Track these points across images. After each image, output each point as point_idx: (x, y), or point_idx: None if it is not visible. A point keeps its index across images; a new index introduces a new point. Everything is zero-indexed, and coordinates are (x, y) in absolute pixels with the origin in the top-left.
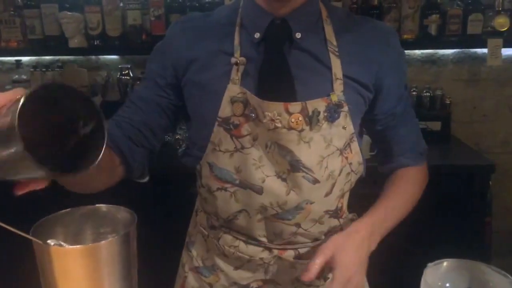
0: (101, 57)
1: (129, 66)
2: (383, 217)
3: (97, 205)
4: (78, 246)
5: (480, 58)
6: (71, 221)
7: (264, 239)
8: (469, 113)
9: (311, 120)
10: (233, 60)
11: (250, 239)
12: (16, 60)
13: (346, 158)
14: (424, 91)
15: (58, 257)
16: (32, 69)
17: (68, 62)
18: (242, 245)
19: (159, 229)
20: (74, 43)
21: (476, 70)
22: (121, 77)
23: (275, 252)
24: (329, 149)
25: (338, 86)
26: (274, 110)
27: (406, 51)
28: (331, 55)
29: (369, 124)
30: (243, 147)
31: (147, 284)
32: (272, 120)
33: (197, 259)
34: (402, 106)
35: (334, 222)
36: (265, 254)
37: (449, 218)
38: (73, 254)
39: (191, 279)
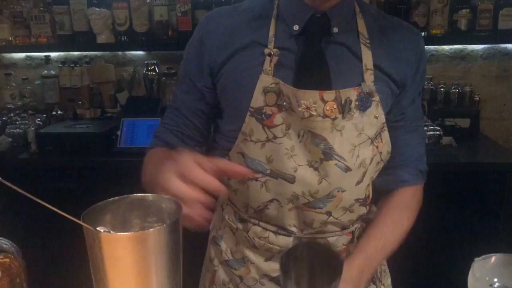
0: (128, 52)
1: (155, 62)
2: (373, 259)
3: (143, 194)
4: (128, 233)
5: (510, 53)
6: (119, 209)
7: (294, 229)
8: (499, 109)
9: (344, 108)
10: (266, 51)
11: (280, 229)
12: (45, 56)
13: (377, 147)
14: (453, 88)
15: (108, 243)
16: (60, 65)
17: (95, 57)
18: (272, 236)
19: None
20: (102, 39)
21: (506, 66)
22: (147, 72)
23: (304, 241)
24: (361, 137)
25: (369, 76)
26: (310, 98)
27: (434, 47)
28: (363, 47)
29: None
30: (275, 137)
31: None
32: (308, 108)
33: (227, 253)
34: (414, 112)
35: (362, 210)
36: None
37: (485, 216)
38: (123, 241)
39: (221, 272)
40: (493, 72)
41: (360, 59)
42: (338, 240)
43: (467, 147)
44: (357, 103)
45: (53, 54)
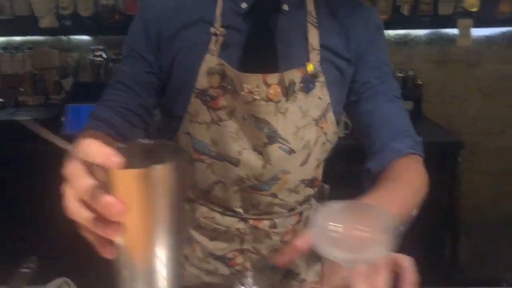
0: (73, 37)
1: (102, 47)
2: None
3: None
4: (134, 169)
5: (451, 39)
6: (128, 153)
7: (240, 210)
8: (440, 93)
9: (288, 91)
10: (212, 30)
11: (227, 210)
12: None
13: (322, 128)
14: (397, 72)
15: (116, 179)
16: (1, 51)
17: (38, 43)
18: (218, 217)
19: None
20: (44, 23)
21: (446, 51)
22: (93, 58)
23: (251, 222)
24: (305, 119)
25: (315, 56)
26: (253, 82)
27: None
28: (310, 26)
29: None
30: (220, 119)
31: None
32: (251, 92)
33: None
34: (384, 82)
35: (309, 191)
36: (241, 225)
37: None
38: (129, 177)
39: (198, 251)
40: (434, 57)
41: (306, 39)
42: (285, 221)
43: None
44: (301, 84)
45: None
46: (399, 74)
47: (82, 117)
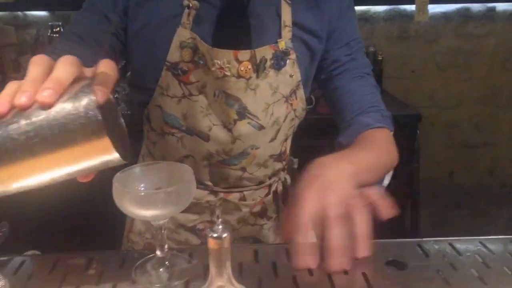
0: (29, 13)
1: (60, 24)
2: (360, 159)
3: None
4: None
5: (409, 15)
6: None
7: (210, 183)
8: (399, 69)
9: (258, 68)
10: (185, 2)
11: (197, 183)
12: None
13: (291, 104)
14: None
15: None
16: None
17: None
18: None
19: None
20: None
21: (406, 27)
22: (52, 35)
23: (221, 195)
24: (275, 96)
25: (287, 33)
26: (224, 57)
27: None
28: (283, 2)
29: (316, 77)
30: (191, 94)
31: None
32: (222, 68)
33: None
34: (353, 59)
35: (278, 165)
36: (211, 197)
37: None
38: None
39: (138, 222)
40: (394, 33)
41: (279, 15)
42: (254, 194)
43: None
44: (272, 61)
45: None
46: None
47: None
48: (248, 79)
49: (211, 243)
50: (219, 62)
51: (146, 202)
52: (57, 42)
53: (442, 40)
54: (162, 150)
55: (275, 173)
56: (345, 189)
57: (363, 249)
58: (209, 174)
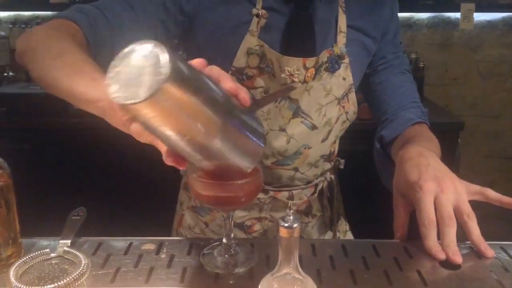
0: None
1: None
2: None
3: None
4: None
5: (453, 22)
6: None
7: (264, 185)
8: (441, 76)
9: (316, 71)
10: (254, 11)
11: None
12: None
13: (343, 107)
14: None
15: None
16: (10, 26)
17: (48, 18)
18: None
19: (158, 168)
20: None
21: (448, 35)
22: None
23: (271, 193)
24: (328, 98)
25: (341, 39)
26: (294, 65)
27: None
28: (339, 9)
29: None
30: (253, 99)
31: (148, 222)
32: (291, 75)
33: (194, 199)
34: (397, 57)
35: (327, 165)
36: (261, 195)
37: None
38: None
39: (188, 217)
40: (436, 40)
41: (336, 22)
42: (301, 193)
43: None
44: (326, 64)
45: (3, 14)
46: None
47: None
48: (307, 83)
49: (282, 232)
50: (289, 69)
51: None
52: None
53: (486, 49)
54: None
55: (323, 173)
56: (455, 181)
57: (489, 251)
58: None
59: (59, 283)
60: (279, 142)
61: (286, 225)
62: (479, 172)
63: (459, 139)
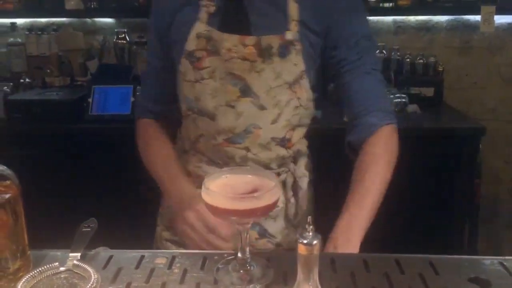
0: (97, 20)
1: (125, 30)
2: (357, 216)
3: None
4: None
5: (472, 25)
6: None
7: (220, 162)
8: (461, 80)
9: (264, 53)
10: (202, 3)
11: (209, 161)
12: (11, 23)
13: (295, 92)
14: (418, 58)
15: None
16: (27, 32)
17: (63, 25)
18: (204, 166)
19: None
20: (70, 5)
21: (468, 38)
22: (117, 41)
23: None
24: (278, 81)
25: (293, 26)
26: (231, 41)
27: (401, 18)
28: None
29: (327, 73)
30: (202, 78)
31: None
32: (229, 50)
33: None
34: (359, 58)
35: (282, 151)
36: None
37: (441, 179)
38: None
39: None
40: (456, 43)
41: (285, 9)
42: None
43: (430, 114)
44: (278, 50)
45: (19, 21)
46: (420, 61)
47: (108, 98)
48: (252, 62)
49: (301, 249)
50: (227, 45)
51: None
52: (142, 82)
53: (507, 52)
54: (185, 130)
55: (281, 161)
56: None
57: None
58: (218, 152)
59: None
60: (228, 118)
61: (305, 241)
62: (500, 179)
63: (480, 145)
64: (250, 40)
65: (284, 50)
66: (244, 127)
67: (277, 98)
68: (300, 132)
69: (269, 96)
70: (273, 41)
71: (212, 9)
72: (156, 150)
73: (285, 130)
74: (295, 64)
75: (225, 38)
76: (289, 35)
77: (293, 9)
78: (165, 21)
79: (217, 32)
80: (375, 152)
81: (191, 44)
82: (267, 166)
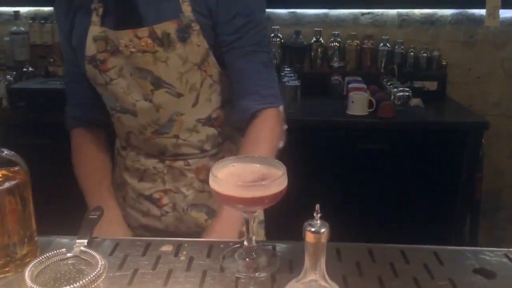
0: None
1: None
2: None
3: None
4: None
5: (477, 19)
6: None
7: (156, 153)
8: (464, 74)
9: (163, 41)
10: (92, 6)
11: (147, 154)
12: (14, 11)
13: (205, 71)
14: (422, 52)
15: None
16: (30, 21)
17: None
18: (143, 159)
19: None
20: None
21: (473, 32)
22: None
23: (167, 162)
24: (186, 65)
25: (186, 7)
26: (125, 37)
27: (405, 11)
28: None
29: None
30: (111, 79)
31: None
32: (127, 46)
33: (116, 177)
34: (238, 38)
35: (211, 130)
36: (157, 164)
37: (444, 172)
38: None
39: (117, 193)
40: (460, 38)
41: None
42: (199, 161)
43: (433, 108)
44: (177, 35)
45: (23, 10)
46: (424, 54)
47: None
48: (154, 53)
49: (309, 237)
50: (123, 42)
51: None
52: (66, 93)
53: (511, 46)
54: (116, 128)
55: (213, 141)
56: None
57: None
58: (150, 145)
59: (75, 285)
60: (148, 113)
61: (312, 229)
62: (502, 173)
63: (483, 139)
64: (142, 32)
65: (184, 34)
66: (167, 117)
67: (191, 82)
68: (228, 108)
69: (182, 82)
70: (168, 27)
71: (101, 10)
72: (84, 169)
73: (209, 109)
74: (198, 45)
75: (119, 35)
76: (183, 18)
77: None
78: (68, 25)
79: (111, 31)
80: (253, 139)
81: (91, 48)
82: (201, 149)
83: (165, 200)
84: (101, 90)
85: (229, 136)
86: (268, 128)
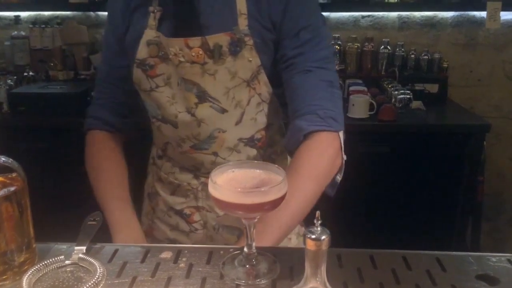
0: (101, 13)
1: None
2: (278, 230)
3: None
4: None
5: (478, 22)
6: None
7: (192, 169)
8: (465, 77)
9: (214, 53)
10: (150, 9)
11: (182, 168)
12: (15, 16)
13: (254, 89)
14: (423, 54)
15: None
16: (31, 25)
17: (67, 18)
18: (177, 172)
19: None
20: None
21: (473, 34)
22: None
23: (202, 179)
24: (235, 81)
25: (243, 21)
26: (176, 45)
27: (406, 14)
28: None
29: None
30: (157, 86)
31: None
32: (176, 55)
33: (148, 186)
34: (300, 54)
35: (252, 151)
36: (193, 181)
37: (445, 175)
38: None
39: (147, 202)
40: (461, 40)
41: (232, 4)
42: None
43: (435, 111)
44: (229, 48)
45: (23, 14)
46: (424, 57)
47: None
48: (203, 64)
49: (309, 244)
50: (173, 50)
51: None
52: (95, 91)
53: None
54: (154, 137)
55: (250, 159)
56: None
57: None
58: (187, 160)
59: None
60: (189, 126)
61: (313, 237)
62: (504, 176)
63: (484, 142)
64: (194, 42)
65: (235, 47)
66: (207, 133)
67: (237, 99)
68: (273, 131)
69: (229, 98)
70: (221, 39)
71: (159, 14)
72: (105, 178)
73: (253, 129)
74: (249, 60)
75: (170, 42)
76: (237, 31)
77: (241, 2)
78: (125, 23)
79: (164, 38)
80: (298, 164)
81: (143, 52)
82: None
83: (196, 217)
84: (144, 96)
85: (271, 159)
86: (317, 154)
